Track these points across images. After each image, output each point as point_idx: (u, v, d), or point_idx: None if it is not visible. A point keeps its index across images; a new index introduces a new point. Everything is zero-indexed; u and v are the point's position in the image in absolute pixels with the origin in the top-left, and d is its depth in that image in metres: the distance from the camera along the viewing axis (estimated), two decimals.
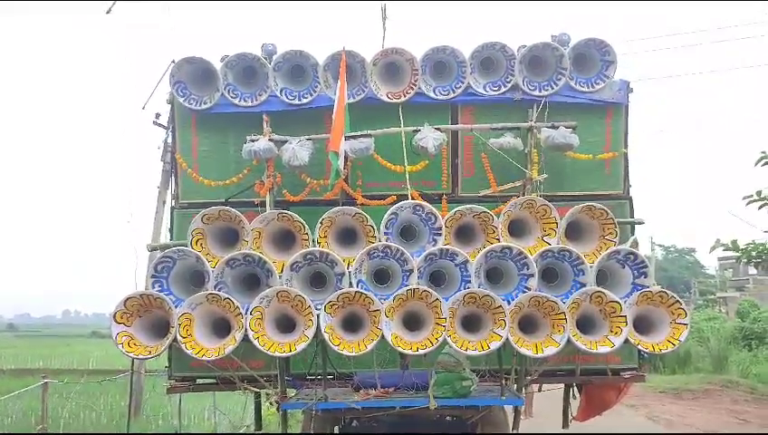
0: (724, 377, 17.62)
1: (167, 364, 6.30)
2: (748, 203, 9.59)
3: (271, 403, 6.05)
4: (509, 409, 5.97)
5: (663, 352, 5.25)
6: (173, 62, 6.29)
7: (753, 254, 10.45)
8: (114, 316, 5.17)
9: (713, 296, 38.99)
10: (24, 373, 20.05)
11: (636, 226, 6.24)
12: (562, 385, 6.62)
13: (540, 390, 7.24)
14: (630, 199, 6.31)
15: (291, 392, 5.97)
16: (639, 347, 5.30)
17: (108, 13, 6.97)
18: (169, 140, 6.81)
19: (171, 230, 6.39)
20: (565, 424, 6.70)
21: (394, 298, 5.17)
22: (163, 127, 6.61)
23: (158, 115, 6.68)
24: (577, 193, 6.19)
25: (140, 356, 5.24)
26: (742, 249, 10.47)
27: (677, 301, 5.25)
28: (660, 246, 52.55)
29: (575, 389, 6.66)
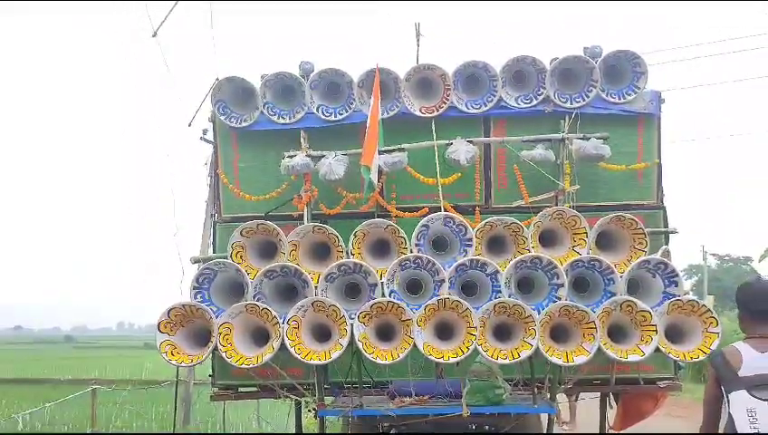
0: None
1: (210, 373, 6.54)
2: None
3: (310, 410, 6.22)
4: (544, 417, 6.04)
5: (694, 360, 5.26)
6: (217, 79, 6.55)
7: None
8: (159, 326, 5.42)
9: None
10: (80, 383, 20.70)
11: (670, 235, 6.27)
12: (599, 395, 6.64)
13: (576, 399, 7.27)
14: (664, 209, 6.34)
15: (329, 400, 6.14)
16: (670, 356, 5.31)
17: (154, 36, 7.27)
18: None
19: (214, 243, 6.65)
20: (602, 433, 6.71)
21: (425, 308, 5.29)
22: (210, 142, 6.87)
23: (205, 131, 6.93)
24: (610, 203, 6.24)
25: (183, 364, 5.48)
26: None
27: (709, 310, 5.27)
28: (714, 255, 51.37)
29: (612, 398, 6.69)
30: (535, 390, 5.67)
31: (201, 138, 6.97)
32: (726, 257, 54.69)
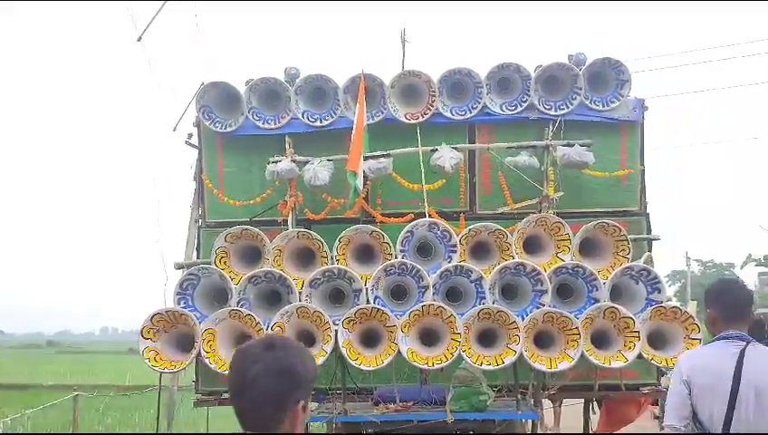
0: None
1: (194, 379, 6.50)
2: None
3: None
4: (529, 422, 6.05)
5: None
6: (202, 84, 6.53)
7: None
8: (141, 332, 5.39)
9: (753, 313, 38.11)
10: (62, 389, 20.49)
11: (653, 241, 6.31)
12: (583, 401, 6.66)
13: (560, 405, 7.28)
14: (647, 215, 6.38)
15: (313, 406, 6.12)
16: (653, 362, 5.35)
17: (138, 40, 7.24)
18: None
19: (198, 249, 6.62)
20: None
21: (410, 314, 5.30)
22: (195, 147, 6.84)
23: (190, 136, 6.89)
24: (594, 210, 6.27)
25: (166, 370, 5.46)
26: None
27: (690, 316, 5.31)
28: (697, 260, 51.74)
29: (595, 404, 6.71)
30: (519, 396, 5.68)
31: (186, 142, 6.93)
32: (709, 263, 55.10)
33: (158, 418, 7.15)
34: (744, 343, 3.29)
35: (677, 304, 5.47)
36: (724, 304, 3.41)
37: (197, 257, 6.58)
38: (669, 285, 47.21)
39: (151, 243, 7.51)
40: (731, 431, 3.13)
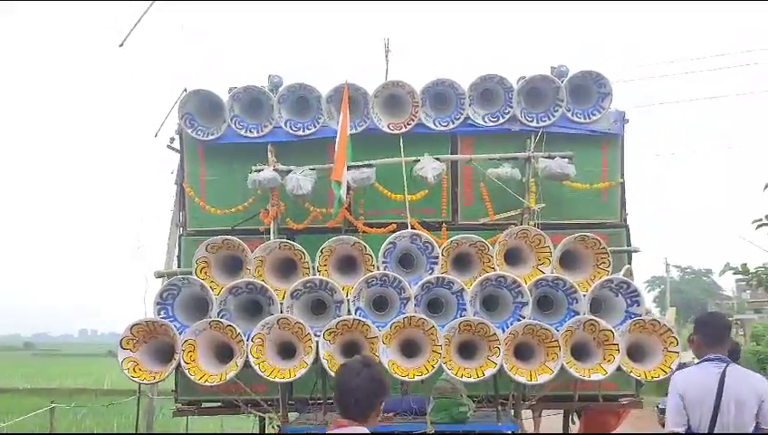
0: None
1: (173, 388, 6.46)
2: (757, 227, 9.60)
3: (274, 427, 6.17)
4: None
5: (654, 379, 5.33)
6: (185, 90, 6.50)
7: (765, 277, 10.37)
8: (121, 342, 5.35)
9: (731, 319, 38.50)
10: (38, 393, 20.26)
11: (633, 253, 6.36)
12: (562, 411, 6.69)
13: (540, 415, 7.31)
14: (627, 227, 6.44)
15: (293, 416, 6.10)
16: (632, 374, 5.38)
17: (121, 46, 7.18)
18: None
19: (179, 257, 6.58)
20: None
21: (391, 326, 5.29)
22: (176, 150, 6.81)
23: (172, 140, 6.86)
24: (574, 221, 6.31)
25: (145, 381, 5.41)
26: (752, 273, 10.42)
27: (669, 329, 5.36)
28: (677, 267, 52.27)
29: (574, 415, 6.73)
30: (499, 407, 5.69)
31: (168, 146, 6.90)
32: (688, 270, 55.64)
33: (136, 427, 7.11)
34: (725, 364, 4.06)
35: (657, 317, 5.50)
36: (706, 333, 4.23)
37: (178, 266, 6.54)
38: (649, 291, 47.68)
39: (132, 247, 7.46)
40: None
